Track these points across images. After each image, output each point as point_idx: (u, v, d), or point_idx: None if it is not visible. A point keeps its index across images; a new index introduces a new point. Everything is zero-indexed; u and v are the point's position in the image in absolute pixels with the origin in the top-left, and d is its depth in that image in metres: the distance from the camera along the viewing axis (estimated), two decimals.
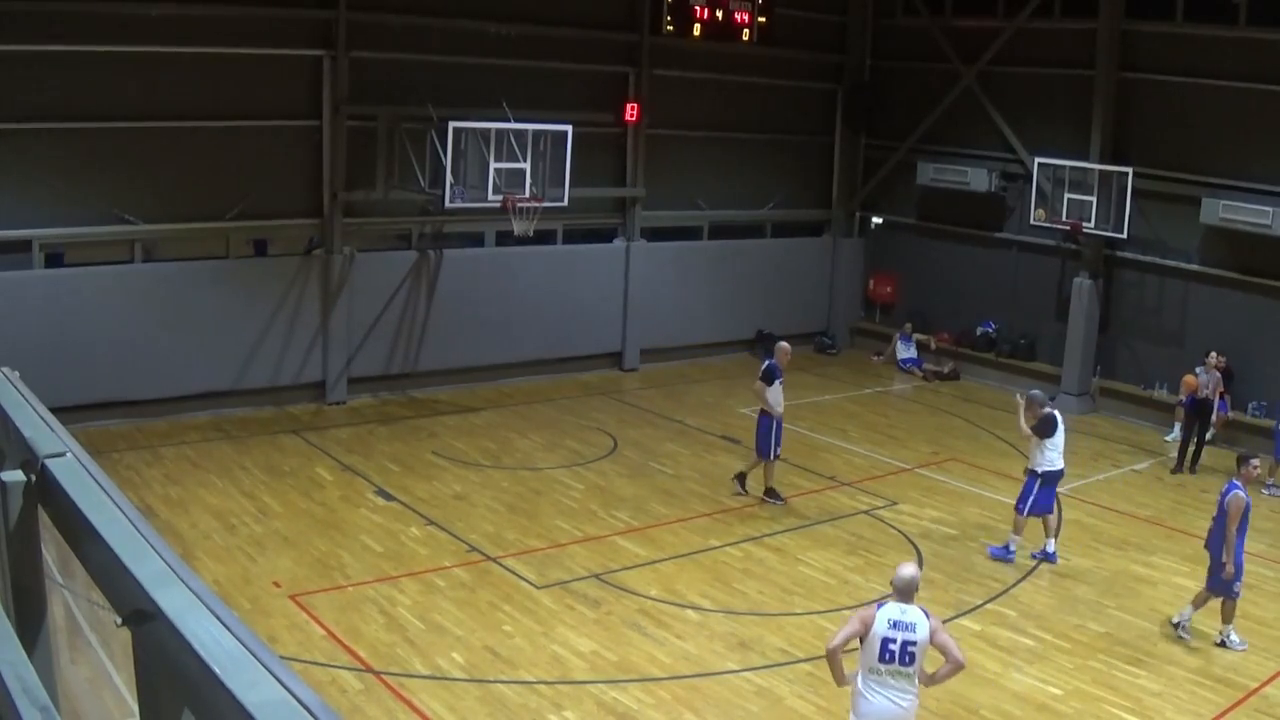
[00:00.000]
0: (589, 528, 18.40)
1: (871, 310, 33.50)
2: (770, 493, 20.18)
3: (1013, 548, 18.33)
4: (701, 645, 14.64)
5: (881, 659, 10.36)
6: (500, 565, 16.62)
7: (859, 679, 10.56)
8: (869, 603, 11.81)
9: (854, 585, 16.66)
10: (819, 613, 15.79)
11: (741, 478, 20.36)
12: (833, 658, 10.58)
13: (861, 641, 10.49)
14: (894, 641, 10.34)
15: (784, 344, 21.05)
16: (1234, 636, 15.70)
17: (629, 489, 20.44)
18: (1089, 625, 16.17)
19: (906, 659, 10.35)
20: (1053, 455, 18.10)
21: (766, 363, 20.30)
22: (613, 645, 14.38)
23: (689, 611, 15.60)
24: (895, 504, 20.44)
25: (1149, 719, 13.70)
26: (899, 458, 23.23)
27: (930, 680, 10.71)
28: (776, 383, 19.82)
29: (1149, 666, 15.03)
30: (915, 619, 10.40)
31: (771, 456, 19.95)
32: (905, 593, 10.55)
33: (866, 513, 19.59)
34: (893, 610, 10.44)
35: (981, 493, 21.52)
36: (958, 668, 10.65)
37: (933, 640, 10.43)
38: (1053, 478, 18.25)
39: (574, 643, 14.34)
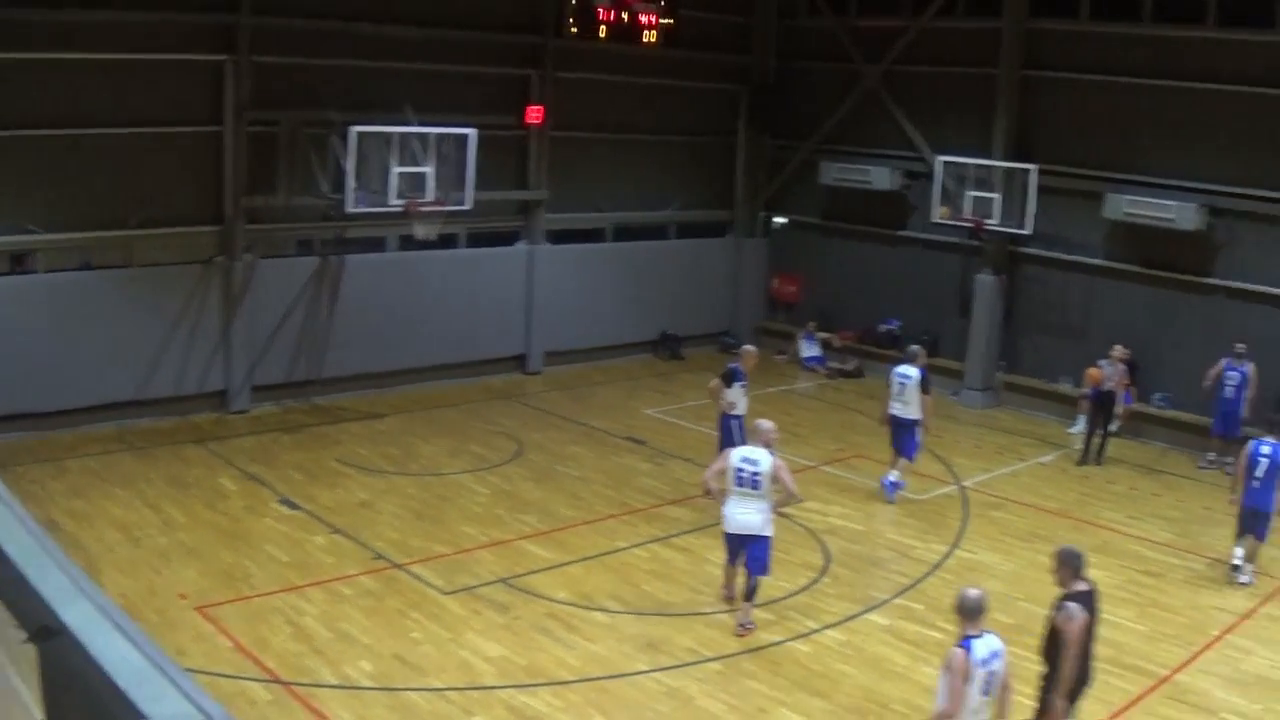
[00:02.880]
0: (495, 532, 18.33)
1: (775, 310, 33.65)
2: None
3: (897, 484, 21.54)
4: (610, 647, 14.67)
5: (738, 484, 15.08)
6: (407, 572, 16.53)
7: (727, 498, 15.20)
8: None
9: (761, 583, 16.68)
10: (727, 612, 15.84)
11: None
12: (705, 485, 15.82)
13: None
14: (744, 472, 15.03)
15: (749, 347, 21.56)
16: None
17: (535, 492, 20.39)
18: (998, 617, 16.15)
19: (755, 485, 14.99)
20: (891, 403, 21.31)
21: (732, 366, 20.42)
22: (521, 649, 14.36)
23: (597, 614, 15.64)
24: (801, 501, 20.40)
25: None
26: (804, 455, 23.21)
27: (774, 505, 15.38)
28: (736, 385, 19.99)
29: None
30: (760, 457, 15.04)
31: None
32: (753, 435, 15.73)
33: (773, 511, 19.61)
34: (744, 450, 15.36)
35: None
36: (790, 496, 15.58)
37: (775, 474, 15.01)
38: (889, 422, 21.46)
39: (482, 648, 14.31)
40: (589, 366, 29.52)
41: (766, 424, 15.53)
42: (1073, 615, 11.17)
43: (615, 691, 13.57)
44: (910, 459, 21.36)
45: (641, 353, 31.10)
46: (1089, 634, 11.42)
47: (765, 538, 15.21)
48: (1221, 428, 24.07)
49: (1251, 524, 18.31)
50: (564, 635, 14.88)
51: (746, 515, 15.07)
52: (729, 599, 15.94)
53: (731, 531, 15.30)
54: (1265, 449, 18.26)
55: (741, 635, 15.15)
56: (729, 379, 20.01)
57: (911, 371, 21.06)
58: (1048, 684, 11.33)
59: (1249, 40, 24.61)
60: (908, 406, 21.07)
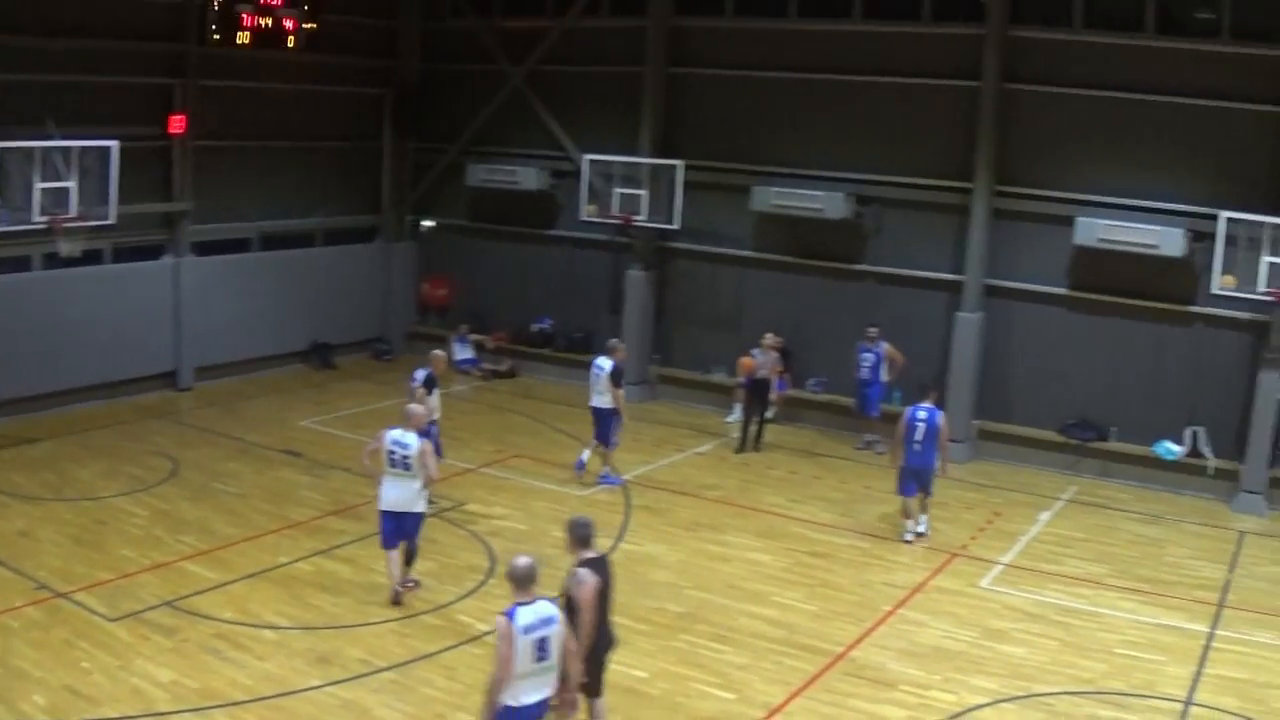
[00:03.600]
0: (156, 554, 17.98)
1: (426, 314, 33.70)
2: None
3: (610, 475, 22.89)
4: (282, 664, 14.63)
5: (390, 465, 16.41)
6: (71, 601, 16.10)
7: (382, 478, 16.51)
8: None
9: (428, 588, 16.97)
10: (397, 620, 16.04)
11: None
12: (364, 463, 16.92)
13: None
14: (396, 454, 16.37)
15: (439, 352, 21.84)
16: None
17: (193, 512, 20.02)
18: (668, 607, 16.89)
19: (406, 466, 16.33)
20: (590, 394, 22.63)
21: (426, 372, 20.73)
22: (193, 672, 14.22)
23: (266, 631, 15.57)
24: (463, 504, 20.85)
25: (739, 692, 14.47)
26: (463, 458, 23.41)
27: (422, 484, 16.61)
28: (436, 391, 20.51)
29: (732, 641, 15.85)
30: (410, 440, 16.37)
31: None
32: (405, 420, 16.67)
33: (435, 515, 19.64)
34: (395, 433, 16.46)
35: (548, 486, 22.22)
36: (429, 477, 16.58)
37: (421, 457, 16.33)
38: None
39: (153, 674, 14.12)
40: (241, 380, 29.04)
41: (418, 409, 17.23)
42: (583, 580, 11.80)
43: (290, 709, 13.57)
44: (608, 447, 22.46)
45: (294, 363, 30.74)
46: (604, 598, 12.04)
47: (417, 514, 16.78)
48: (859, 407, 25.53)
49: (916, 483, 20.05)
50: (234, 655, 14.78)
51: (398, 493, 16.49)
52: (396, 603, 16.60)
53: (385, 509, 16.56)
54: (921, 414, 19.94)
55: (407, 589, 16.88)
56: (430, 385, 20.46)
57: (605, 363, 22.16)
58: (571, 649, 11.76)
59: (893, 32, 26.00)
60: (602, 396, 22.26)
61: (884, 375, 25.15)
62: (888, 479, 21.57)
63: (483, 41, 31.27)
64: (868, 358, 25.18)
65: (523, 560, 11.05)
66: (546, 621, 10.85)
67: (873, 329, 25.20)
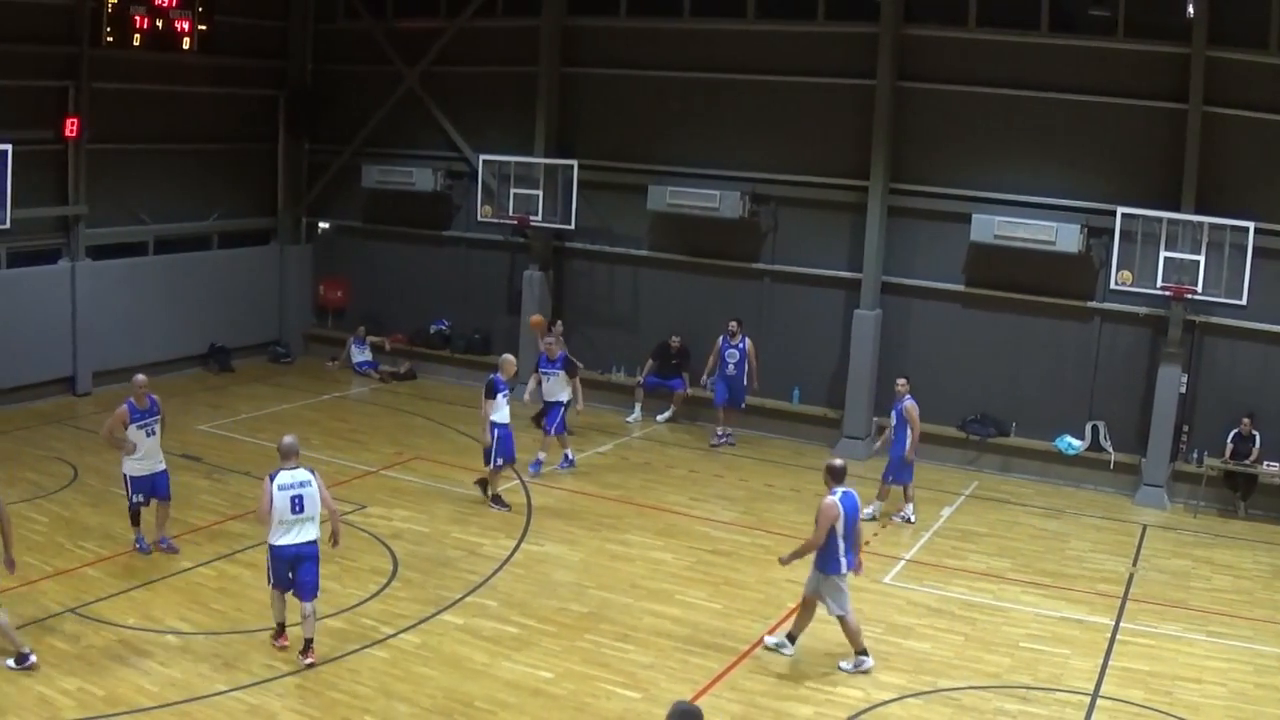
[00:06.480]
0: (58, 561, 17.72)
1: (323, 316, 33.48)
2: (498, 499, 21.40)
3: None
4: (187, 669, 14.46)
5: (148, 435, 18.23)
6: None
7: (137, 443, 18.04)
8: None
9: (331, 593, 16.67)
10: (299, 624, 15.88)
11: (488, 490, 21.47)
12: (112, 439, 18.18)
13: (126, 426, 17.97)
14: (146, 425, 18.20)
15: (508, 356, 22.10)
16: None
17: (94, 518, 19.77)
18: (572, 607, 16.89)
19: (153, 433, 18.40)
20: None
21: (490, 377, 21.26)
22: (97, 680, 14.04)
23: (169, 637, 15.40)
24: (364, 507, 20.69)
25: (645, 690, 14.48)
26: (363, 461, 23.45)
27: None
28: (499, 395, 20.95)
29: (637, 641, 15.86)
30: (157, 412, 18.40)
31: (493, 465, 21.17)
32: (141, 397, 18.18)
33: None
34: (140, 407, 18.16)
35: (448, 488, 22.13)
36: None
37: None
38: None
39: (58, 681, 13.92)
40: None
41: (140, 378, 18.69)
42: None
43: (197, 715, 13.43)
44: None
45: (192, 367, 30.38)
46: None
47: (165, 471, 18.70)
48: (724, 397, 25.87)
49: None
50: (138, 661, 14.63)
51: (156, 460, 18.58)
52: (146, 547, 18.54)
53: (146, 474, 18.39)
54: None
55: (157, 548, 18.44)
56: (491, 390, 20.88)
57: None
58: None
59: (787, 31, 26.25)
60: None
61: (747, 371, 25.62)
62: (789, 476, 21.73)
63: (376, 42, 31.12)
64: (734, 353, 25.58)
65: (287, 438, 14.86)
66: (302, 484, 14.56)
67: (733, 323, 25.63)
